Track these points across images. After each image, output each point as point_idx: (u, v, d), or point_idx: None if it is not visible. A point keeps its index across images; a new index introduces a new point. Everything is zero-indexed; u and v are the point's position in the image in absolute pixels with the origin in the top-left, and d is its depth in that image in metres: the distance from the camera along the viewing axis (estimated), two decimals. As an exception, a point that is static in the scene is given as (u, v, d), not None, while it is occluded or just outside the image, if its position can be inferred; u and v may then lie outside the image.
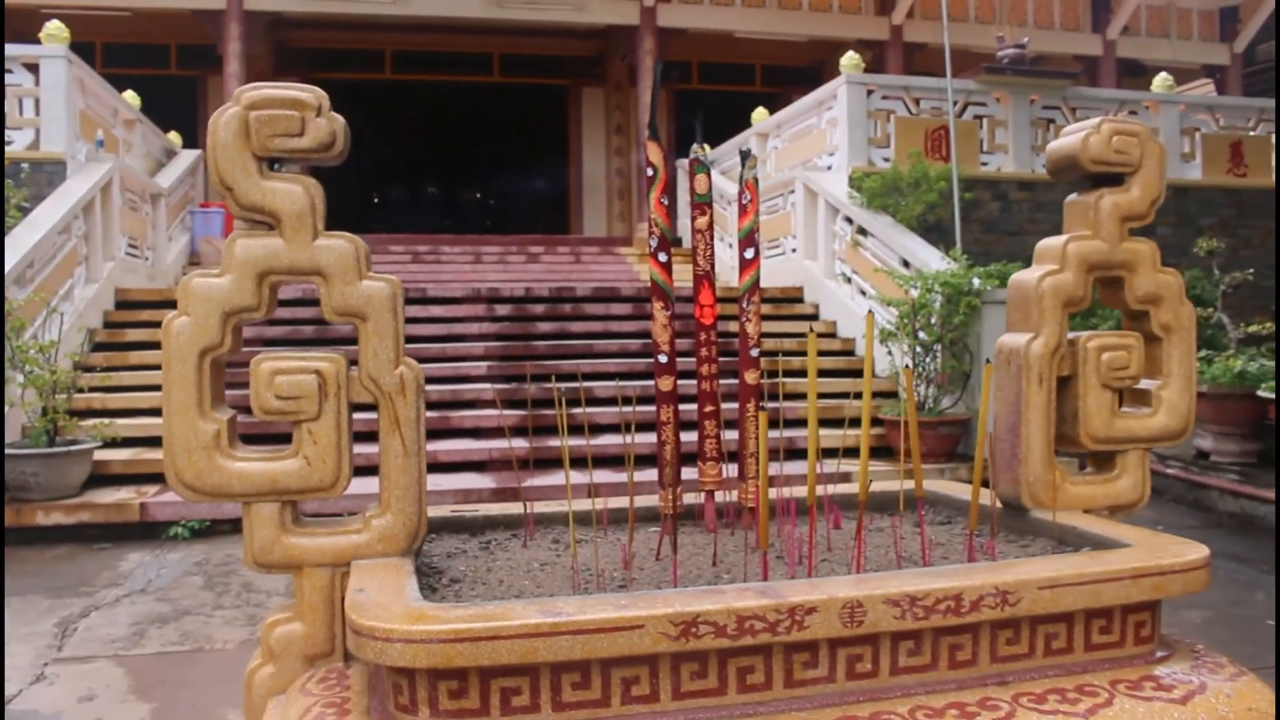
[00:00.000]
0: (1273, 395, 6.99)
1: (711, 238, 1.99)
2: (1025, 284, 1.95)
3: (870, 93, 10.26)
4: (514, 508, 2.04)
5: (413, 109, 20.04)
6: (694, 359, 2.00)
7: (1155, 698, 1.49)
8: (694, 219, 1.95)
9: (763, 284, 10.79)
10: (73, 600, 5.15)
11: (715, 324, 1.97)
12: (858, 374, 8.78)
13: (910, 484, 2.26)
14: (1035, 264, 2.01)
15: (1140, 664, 1.58)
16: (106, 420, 7.17)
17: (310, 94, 1.60)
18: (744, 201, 1.97)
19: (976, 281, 7.49)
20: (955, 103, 10.25)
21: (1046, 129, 10.67)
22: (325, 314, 1.64)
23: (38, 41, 9.99)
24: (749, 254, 1.97)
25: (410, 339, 9.08)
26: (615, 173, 18.72)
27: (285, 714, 1.47)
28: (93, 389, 7.84)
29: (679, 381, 1.92)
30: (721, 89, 18.85)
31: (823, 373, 8.84)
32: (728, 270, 12.72)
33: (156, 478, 7.06)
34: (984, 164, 10.40)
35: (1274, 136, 11.23)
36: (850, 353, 9.30)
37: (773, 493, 1.94)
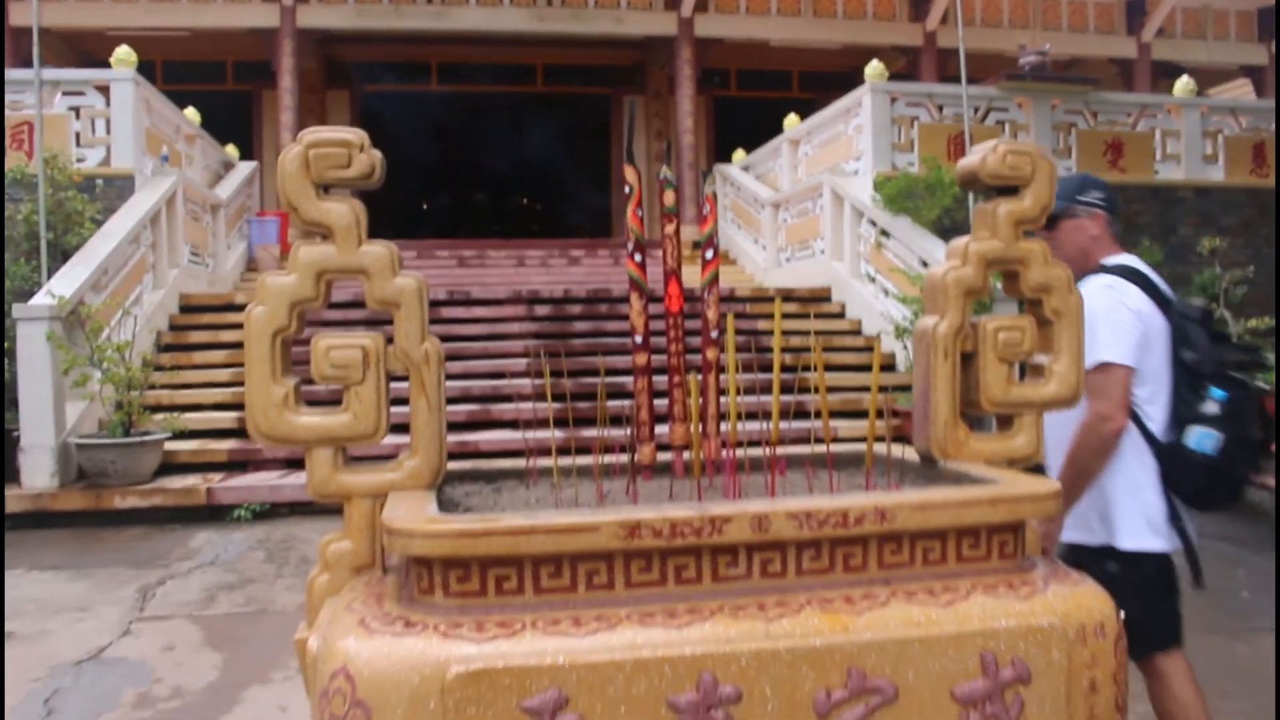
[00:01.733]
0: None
1: (679, 242, 2.44)
2: (934, 277, 2.39)
3: (894, 100, 10.66)
4: (522, 463, 2.52)
5: (459, 118, 20.58)
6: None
7: (1003, 595, 1.92)
8: (663, 226, 2.41)
9: (793, 285, 11.26)
10: (151, 571, 5.73)
11: (682, 310, 2.42)
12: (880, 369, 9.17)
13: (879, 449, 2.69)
14: (945, 260, 2.45)
15: (1003, 574, 2.01)
16: (175, 414, 7.78)
17: (355, 135, 2.08)
18: (704, 212, 2.43)
19: (988, 280, 7.87)
20: (977, 109, 10.63)
21: (1069, 132, 11.01)
22: (368, 303, 2.12)
23: (105, 64, 10.65)
24: (709, 254, 2.41)
25: (454, 338, 9.62)
26: (656, 178, 19.13)
27: (336, 605, 1.94)
28: (161, 386, 8.47)
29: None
30: (759, 95, 19.24)
31: (845, 367, 9.28)
32: (759, 269, 13.18)
33: (220, 466, 7.66)
34: (1006, 167, 10.72)
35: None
36: (872, 349, 9.71)
37: (739, 452, 2.39)
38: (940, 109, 10.69)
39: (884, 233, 9.70)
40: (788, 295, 11.03)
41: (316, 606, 2.13)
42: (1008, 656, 1.86)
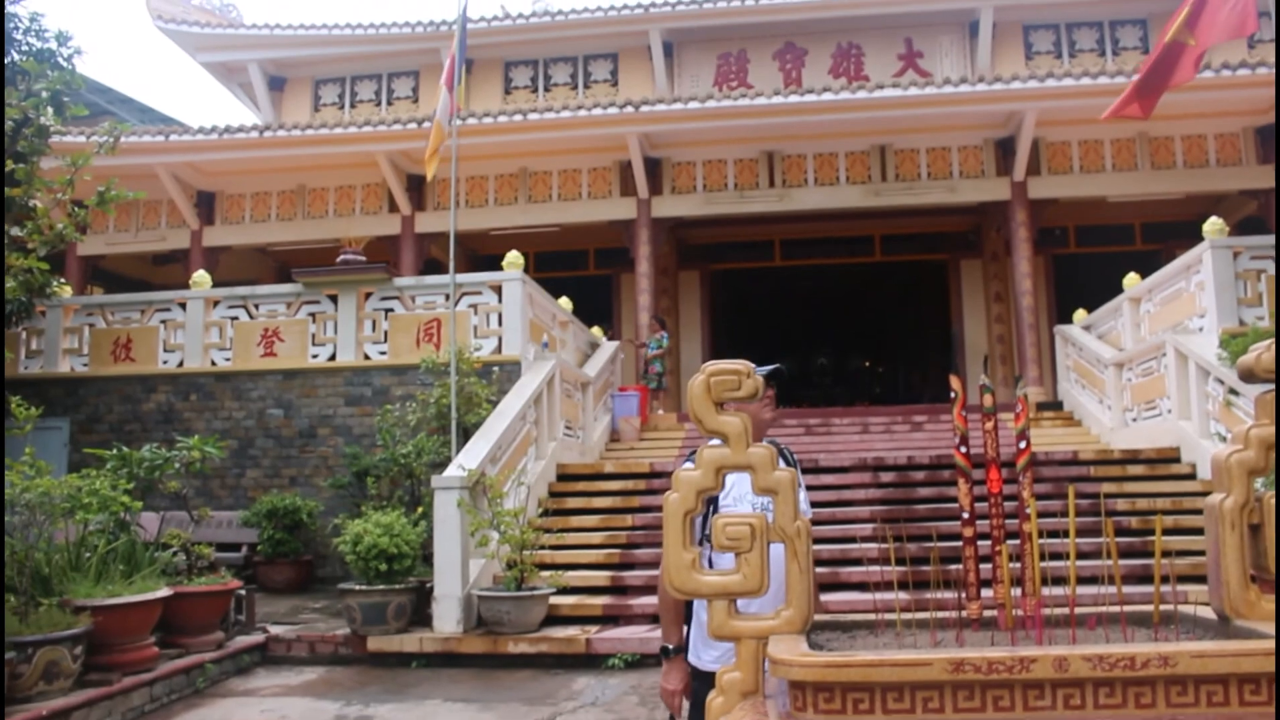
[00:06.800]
0: None
1: (997, 436, 3.02)
2: (1219, 459, 2.83)
3: (1237, 255, 10.50)
4: (871, 618, 3.12)
5: (801, 289, 21.60)
6: (994, 515, 3.00)
7: (1278, 731, 2.31)
8: (983, 423, 3.00)
9: (1140, 445, 11.07)
10: (543, 708, 6.66)
11: (1001, 491, 2.98)
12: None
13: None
14: (1229, 444, 2.87)
15: (1283, 716, 2.39)
16: (557, 572, 8.88)
17: (743, 366, 2.85)
18: (1016, 410, 3.00)
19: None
20: (1333, 257, 10.27)
21: None
22: (754, 490, 2.84)
23: (488, 257, 12.54)
24: (1022, 444, 2.98)
25: (800, 503, 10.27)
26: (996, 339, 19.19)
27: (729, 718, 2.61)
28: (544, 547, 9.64)
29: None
30: (1100, 250, 18.98)
31: (1197, 530, 9.05)
32: (1104, 429, 13.01)
33: (596, 619, 8.61)
34: (1376, 313, 10.25)
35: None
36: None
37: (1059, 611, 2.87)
38: (1290, 260, 10.43)
39: (1232, 391, 9.52)
40: (1134, 457, 10.90)
41: (716, 720, 2.81)
42: (1282, 784, 2.24)
